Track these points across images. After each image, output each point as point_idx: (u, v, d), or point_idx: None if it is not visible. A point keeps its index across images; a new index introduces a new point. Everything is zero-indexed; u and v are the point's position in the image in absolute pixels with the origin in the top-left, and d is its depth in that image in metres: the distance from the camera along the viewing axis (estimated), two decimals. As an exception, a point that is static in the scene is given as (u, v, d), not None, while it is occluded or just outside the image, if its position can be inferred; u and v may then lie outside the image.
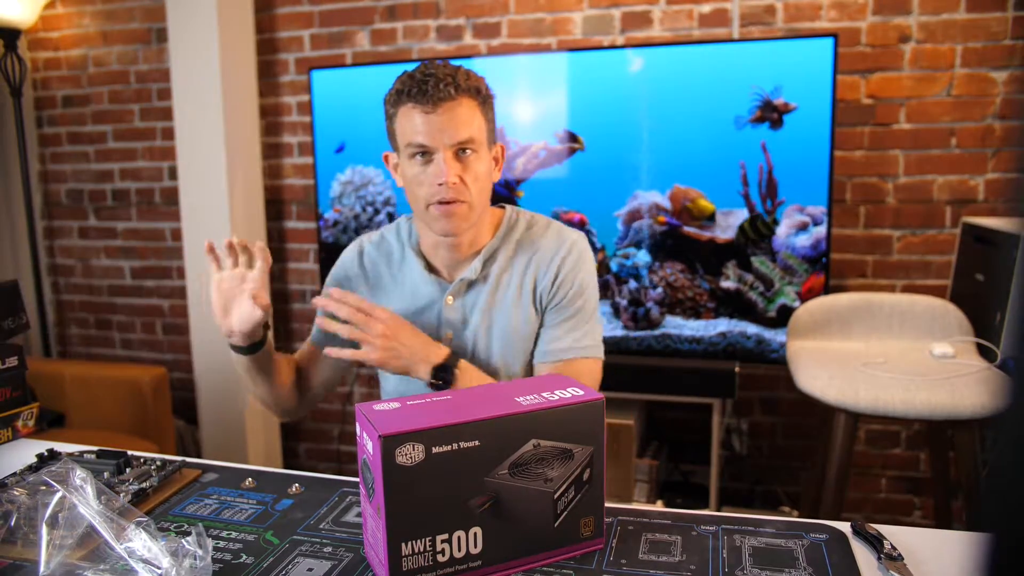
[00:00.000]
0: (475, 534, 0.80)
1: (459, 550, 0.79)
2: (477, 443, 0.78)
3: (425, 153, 1.10)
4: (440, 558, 0.78)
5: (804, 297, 2.04)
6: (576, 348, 1.20)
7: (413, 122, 1.10)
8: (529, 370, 1.23)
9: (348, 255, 1.29)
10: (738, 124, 2.03)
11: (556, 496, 0.83)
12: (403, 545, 0.76)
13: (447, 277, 1.22)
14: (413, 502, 0.76)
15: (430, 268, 1.22)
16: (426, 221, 1.16)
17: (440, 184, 1.09)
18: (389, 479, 0.74)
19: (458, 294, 1.20)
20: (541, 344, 1.22)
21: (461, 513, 0.79)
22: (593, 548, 0.87)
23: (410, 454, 0.75)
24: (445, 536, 0.78)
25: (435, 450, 0.76)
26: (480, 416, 0.77)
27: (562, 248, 1.20)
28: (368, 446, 0.78)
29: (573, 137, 2.16)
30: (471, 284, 1.20)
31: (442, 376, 1.11)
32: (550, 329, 1.21)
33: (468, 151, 1.11)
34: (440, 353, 1.13)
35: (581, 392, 0.85)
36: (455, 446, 0.77)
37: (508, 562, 0.82)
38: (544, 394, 0.85)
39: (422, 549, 0.77)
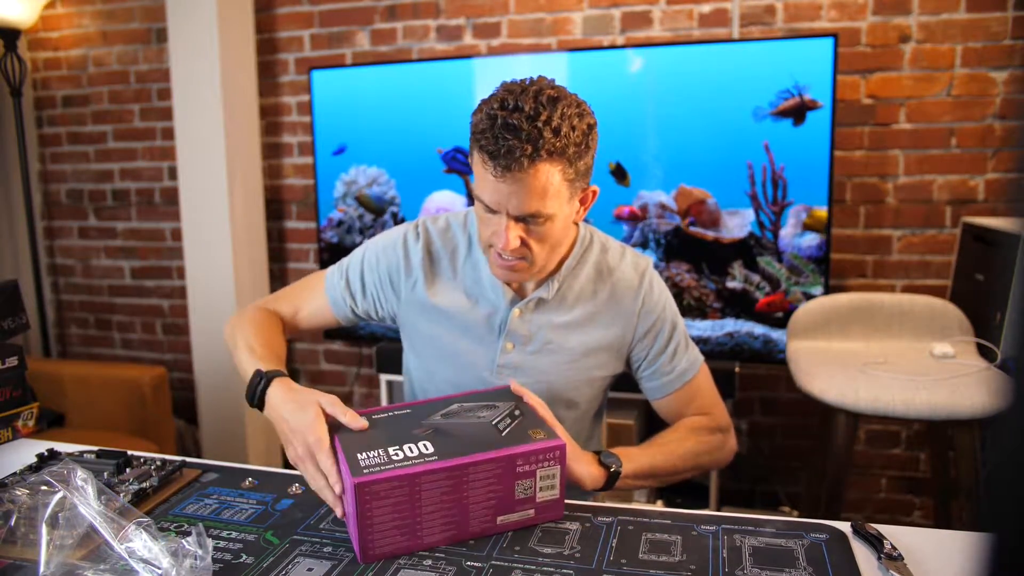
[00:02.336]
0: (424, 444, 0.88)
1: (412, 452, 0.86)
2: (408, 411, 0.96)
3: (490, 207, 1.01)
4: (395, 457, 0.85)
5: (763, 309, 2.05)
6: (690, 368, 1.19)
7: (482, 176, 0.99)
8: (588, 390, 1.18)
9: (412, 238, 1.19)
10: (757, 116, 2.01)
11: (494, 423, 0.92)
12: (359, 454, 0.86)
13: (516, 288, 1.15)
14: (363, 440, 0.89)
15: None
16: (486, 256, 1.10)
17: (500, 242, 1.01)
18: (341, 434, 0.90)
19: (527, 309, 1.14)
20: (653, 380, 1.19)
21: (407, 436, 0.90)
22: (555, 445, 0.90)
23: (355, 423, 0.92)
24: (396, 447, 0.87)
25: (375, 418, 0.94)
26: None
27: (644, 282, 1.16)
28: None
29: (621, 172, 2.13)
30: (542, 301, 1.14)
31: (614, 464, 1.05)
32: (656, 363, 1.18)
33: (536, 221, 1.00)
34: (600, 476, 1.03)
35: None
36: (390, 414, 0.95)
37: (465, 456, 0.86)
38: None
39: (376, 456, 0.86)
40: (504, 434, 0.90)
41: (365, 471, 0.82)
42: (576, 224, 1.18)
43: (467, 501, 0.87)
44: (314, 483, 0.90)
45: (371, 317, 1.24)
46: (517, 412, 0.95)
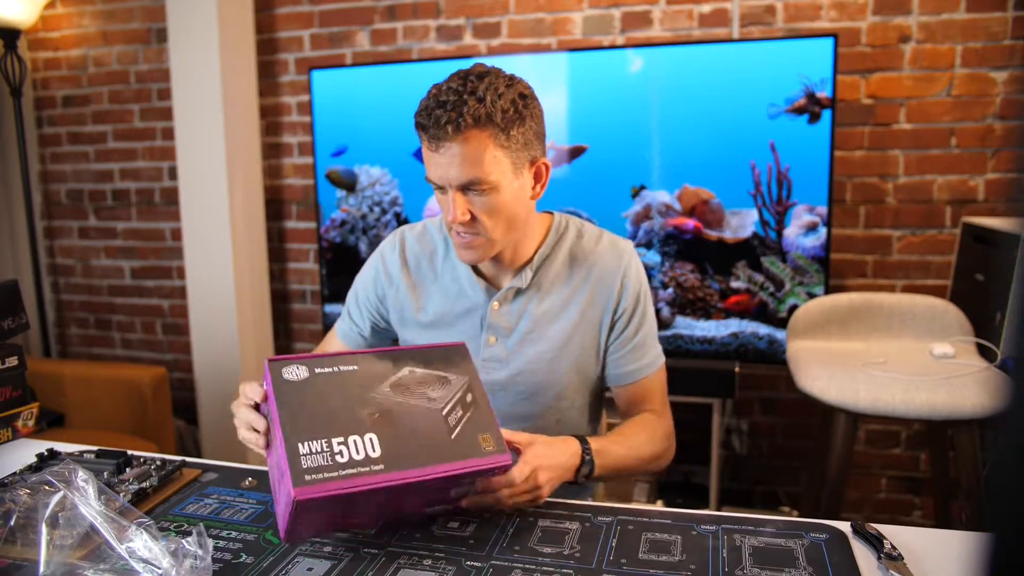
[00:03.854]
0: (371, 439, 0.83)
1: (357, 453, 0.82)
2: (355, 367, 0.89)
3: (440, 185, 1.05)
4: (339, 459, 0.80)
5: (730, 308, 2.05)
6: (654, 363, 1.19)
7: (425, 154, 1.04)
8: (577, 379, 1.18)
9: (388, 248, 1.24)
10: (771, 114, 2.01)
11: (444, 412, 0.88)
12: (300, 445, 0.80)
13: (493, 282, 1.17)
14: (304, 411, 0.83)
15: (476, 270, 1.17)
16: (452, 241, 1.13)
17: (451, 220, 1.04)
18: (279, 392, 0.83)
19: (505, 300, 1.15)
20: (618, 366, 1.18)
21: (353, 420, 0.84)
22: (502, 462, 0.87)
23: (295, 372, 0.86)
24: (341, 439, 0.82)
25: (318, 371, 0.87)
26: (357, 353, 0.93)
27: (621, 263, 1.16)
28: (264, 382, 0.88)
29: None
30: (519, 291, 1.15)
31: (588, 470, 1.04)
32: (625, 351, 1.17)
33: (479, 189, 1.02)
34: (576, 454, 1.03)
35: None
36: (335, 369, 0.88)
37: (412, 468, 0.83)
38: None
39: (319, 450, 0.80)
40: (454, 435, 0.87)
41: (307, 478, 0.77)
42: (556, 210, 1.21)
43: (403, 504, 0.89)
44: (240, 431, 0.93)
45: (378, 331, 1.28)
46: (469, 397, 0.92)
